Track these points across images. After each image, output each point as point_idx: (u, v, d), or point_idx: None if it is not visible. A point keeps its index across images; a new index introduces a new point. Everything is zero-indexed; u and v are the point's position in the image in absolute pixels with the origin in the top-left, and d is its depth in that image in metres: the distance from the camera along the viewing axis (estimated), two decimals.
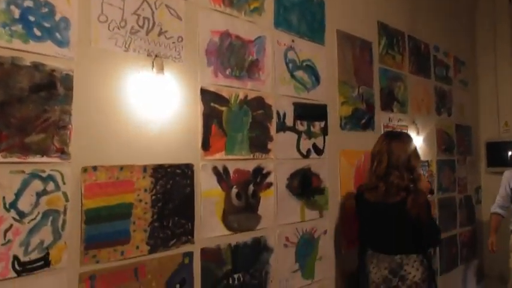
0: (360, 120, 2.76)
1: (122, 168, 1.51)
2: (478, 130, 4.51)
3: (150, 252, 1.58)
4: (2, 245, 1.24)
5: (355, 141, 2.72)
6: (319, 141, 2.41)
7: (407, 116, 3.29)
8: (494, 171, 4.36)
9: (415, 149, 2.20)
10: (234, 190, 1.91)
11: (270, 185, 2.09)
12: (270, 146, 2.09)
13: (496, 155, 4.36)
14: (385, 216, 2.11)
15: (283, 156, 2.17)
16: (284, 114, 2.19)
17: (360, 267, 2.27)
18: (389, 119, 3.08)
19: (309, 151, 2.33)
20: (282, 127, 2.17)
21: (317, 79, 2.42)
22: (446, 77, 3.93)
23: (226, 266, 1.85)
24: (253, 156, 2.00)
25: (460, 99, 4.15)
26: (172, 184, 1.66)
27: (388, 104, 3.09)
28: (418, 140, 3.39)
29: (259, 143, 2.04)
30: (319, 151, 2.41)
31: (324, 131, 2.45)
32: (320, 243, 2.38)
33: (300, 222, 2.25)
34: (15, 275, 1.26)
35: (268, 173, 2.08)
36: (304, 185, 2.29)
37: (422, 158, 3.40)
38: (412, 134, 3.30)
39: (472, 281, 4.19)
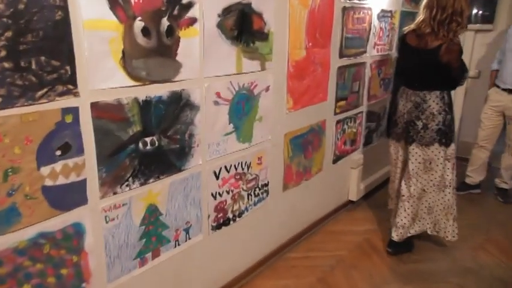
0: None
1: None
2: None
3: (1, 106, 1.06)
4: None
5: None
6: None
7: None
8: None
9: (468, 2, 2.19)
10: (139, 23, 1.34)
11: (193, 21, 1.53)
12: None
13: None
14: (420, 58, 2.27)
15: None
16: None
17: (391, 101, 2.83)
18: None
19: None
20: None
21: None
22: None
23: (133, 126, 1.40)
24: None
25: None
26: (28, 3, 1.06)
27: None
28: None
29: None
30: None
31: None
32: (261, 101, 1.97)
33: (236, 75, 1.78)
34: None
35: (191, 4, 1.50)
36: (242, 26, 1.75)
37: (386, 6, 2.91)
38: None
39: None
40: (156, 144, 1.49)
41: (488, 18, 3.92)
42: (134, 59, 1.35)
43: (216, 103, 1.72)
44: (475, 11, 3.96)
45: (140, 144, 1.44)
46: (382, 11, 2.90)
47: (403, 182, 2.42)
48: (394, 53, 3.24)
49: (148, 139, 1.46)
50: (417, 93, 2.31)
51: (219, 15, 1.62)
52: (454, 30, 2.15)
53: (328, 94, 2.52)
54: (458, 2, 2.12)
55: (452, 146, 2.34)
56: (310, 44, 2.23)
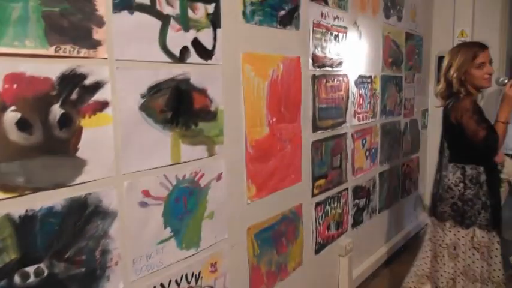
0: (277, 10, 1.86)
1: None
2: (430, 41, 3.79)
3: None
4: None
5: (269, 41, 1.84)
6: (205, 36, 1.50)
7: (347, 13, 2.43)
8: None
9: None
10: (12, 114, 0.99)
11: (103, 105, 1.19)
12: (97, 35, 1.15)
13: None
14: (443, 121, 2.09)
15: (131, 55, 1.25)
16: None
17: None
18: (322, 14, 2.21)
19: (185, 51, 1.43)
20: (125, 3, 1.22)
21: None
22: None
23: (3, 255, 1.00)
24: (58, 51, 1.06)
25: (413, 1, 3.35)
26: None
27: None
28: (359, 48, 2.59)
29: (73, 29, 1.09)
30: (205, 52, 1.51)
31: (214, 21, 1.54)
32: (211, 193, 1.58)
33: (173, 166, 1.42)
34: None
35: (98, 85, 1.17)
36: (180, 106, 1.42)
37: (364, 72, 2.64)
38: (352, 38, 2.48)
39: (412, 214, 3.75)
40: (45, 274, 1.08)
41: None
42: (4, 162, 0.98)
43: (144, 204, 1.33)
44: None
45: (17, 278, 1.03)
46: (360, 76, 2.64)
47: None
48: (379, 120, 2.94)
49: (31, 268, 1.05)
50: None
51: (143, 96, 1.29)
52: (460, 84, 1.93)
53: (302, 174, 2.14)
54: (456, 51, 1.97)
55: (480, 232, 1.94)
56: (274, 119, 1.90)
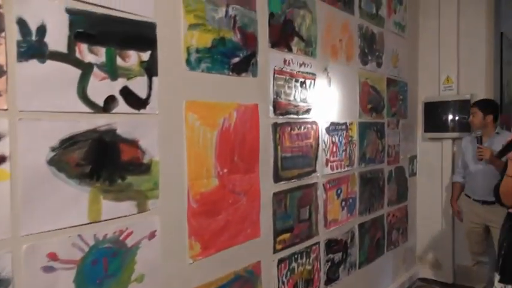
0: (229, 57, 1.79)
1: None
2: (416, 87, 3.71)
3: None
4: None
5: (220, 88, 1.76)
6: (137, 85, 1.42)
7: (315, 60, 2.36)
8: (433, 137, 3.63)
9: None
10: None
11: (1, 160, 1.09)
12: None
13: (435, 118, 3.59)
14: None
15: (39, 106, 1.16)
16: (42, 28, 1.16)
17: None
18: (286, 61, 2.14)
19: (111, 100, 1.34)
20: (33, 50, 1.15)
21: None
22: (376, 16, 3.03)
23: None
24: None
25: (395, 47, 3.30)
26: None
27: (284, 39, 2.14)
28: (331, 95, 2.50)
29: None
30: (137, 101, 1.42)
31: (150, 68, 1.46)
32: (140, 254, 1.44)
33: (90, 225, 1.29)
34: None
35: None
36: (101, 159, 1.31)
37: (338, 118, 2.54)
38: (322, 85, 2.41)
39: (401, 268, 3.50)
40: None
41: None
42: None
43: (49, 269, 1.19)
44: None
45: None
46: (333, 124, 2.53)
47: None
48: (357, 169, 2.79)
49: None
50: None
51: (53, 149, 1.19)
52: None
53: (261, 228, 1.99)
54: None
55: None
56: (225, 170, 1.78)
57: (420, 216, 3.75)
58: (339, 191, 2.62)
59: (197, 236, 1.66)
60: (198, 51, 1.64)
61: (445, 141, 3.54)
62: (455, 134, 3.48)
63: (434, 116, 3.58)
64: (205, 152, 1.69)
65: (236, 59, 1.83)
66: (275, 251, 2.09)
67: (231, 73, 1.80)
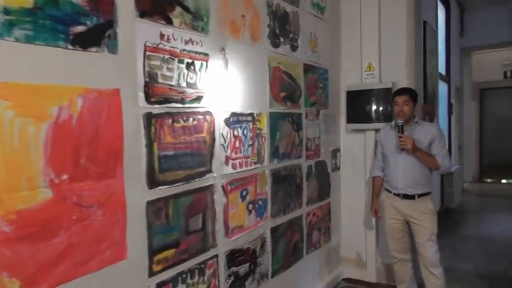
0: (66, 24, 1.32)
1: None
2: (338, 74, 3.44)
3: None
4: None
5: (50, 66, 1.29)
6: None
7: (208, 37, 1.95)
8: (356, 128, 3.39)
9: None
10: None
11: None
12: None
13: (357, 108, 3.35)
14: None
15: None
16: None
17: None
18: (164, 36, 1.71)
19: None
20: None
21: None
22: None
23: None
24: None
25: (313, 30, 2.98)
26: None
27: (160, 8, 1.70)
28: (232, 80, 2.11)
29: None
30: None
31: None
32: None
33: None
34: None
35: None
36: None
37: (242, 108, 2.17)
38: (219, 68, 2.01)
39: (324, 270, 3.25)
40: None
41: None
42: None
43: None
44: None
45: None
46: (235, 114, 2.15)
47: None
48: (268, 166, 2.45)
49: None
50: None
51: None
52: None
53: (127, 248, 1.56)
54: None
55: None
56: (66, 176, 1.33)
57: (345, 213, 3.52)
58: (244, 193, 2.25)
59: (12, 271, 1.19)
60: (7, 11, 1.16)
61: (368, 132, 3.31)
62: (379, 125, 3.26)
63: (357, 106, 3.34)
64: (26, 153, 1.22)
65: (80, 28, 1.36)
66: (151, 273, 1.67)
67: (70, 46, 1.33)
